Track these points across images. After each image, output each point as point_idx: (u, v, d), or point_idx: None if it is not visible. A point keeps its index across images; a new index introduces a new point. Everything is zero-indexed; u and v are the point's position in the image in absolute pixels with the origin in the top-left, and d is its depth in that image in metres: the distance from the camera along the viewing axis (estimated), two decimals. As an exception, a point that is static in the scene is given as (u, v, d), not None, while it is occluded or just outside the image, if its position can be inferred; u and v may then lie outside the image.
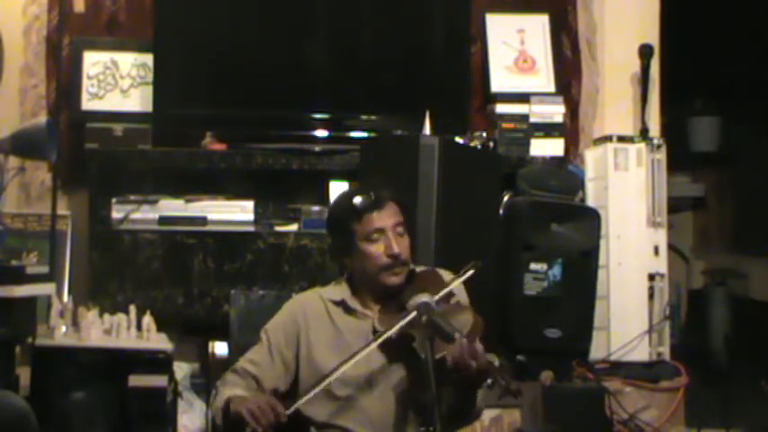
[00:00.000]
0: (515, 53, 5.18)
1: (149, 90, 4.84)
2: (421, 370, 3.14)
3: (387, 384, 3.31)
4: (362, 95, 4.92)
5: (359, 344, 3.30)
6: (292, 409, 3.19)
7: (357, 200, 3.39)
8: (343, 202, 3.48)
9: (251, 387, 3.37)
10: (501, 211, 4.68)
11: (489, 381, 3.15)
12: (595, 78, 5.26)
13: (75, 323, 4.18)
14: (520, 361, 4.45)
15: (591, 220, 4.70)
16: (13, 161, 4.50)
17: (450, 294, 3.36)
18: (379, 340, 3.23)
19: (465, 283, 3.40)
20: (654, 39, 5.20)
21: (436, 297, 3.25)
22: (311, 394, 3.21)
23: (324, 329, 3.40)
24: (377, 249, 3.35)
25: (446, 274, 3.46)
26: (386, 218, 3.37)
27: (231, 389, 3.34)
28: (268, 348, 3.41)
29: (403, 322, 3.21)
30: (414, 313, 3.21)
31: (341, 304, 3.41)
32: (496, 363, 3.25)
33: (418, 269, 3.47)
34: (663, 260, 4.90)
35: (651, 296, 4.86)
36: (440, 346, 3.17)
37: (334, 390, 3.29)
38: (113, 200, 4.67)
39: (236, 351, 4.04)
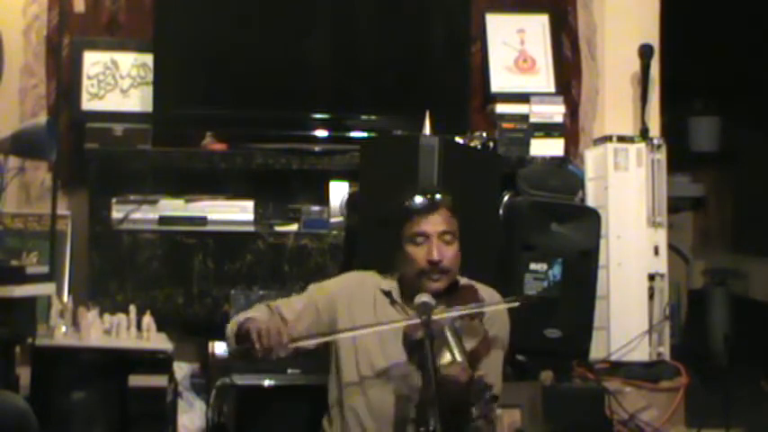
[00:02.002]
0: (515, 53, 5.18)
1: (149, 90, 4.84)
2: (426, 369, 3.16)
3: (403, 381, 3.34)
4: (362, 95, 4.92)
5: (393, 335, 3.36)
6: (295, 344, 3.27)
7: (412, 200, 3.42)
8: (399, 200, 3.51)
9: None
10: (501, 211, 4.68)
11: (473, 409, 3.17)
12: (595, 78, 5.26)
13: (75, 323, 4.19)
14: (520, 361, 4.45)
15: (591, 220, 4.70)
16: (13, 161, 4.51)
17: (482, 314, 3.36)
18: (384, 327, 3.31)
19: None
20: (654, 39, 5.20)
21: (453, 314, 3.25)
22: (316, 340, 3.32)
23: (367, 311, 3.48)
24: (418, 253, 3.38)
25: (485, 291, 3.48)
26: (434, 224, 3.39)
27: (254, 313, 3.40)
28: (308, 301, 3.51)
29: (409, 321, 3.24)
30: (413, 317, 3.23)
31: (388, 294, 3.46)
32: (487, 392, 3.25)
33: (462, 281, 3.48)
34: (663, 260, 4.90)
35: (651, 296, 4.87)
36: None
37: (361, 364, 3.33)
38: (113, 200, 4.67)
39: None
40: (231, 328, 3.44)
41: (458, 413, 3.23)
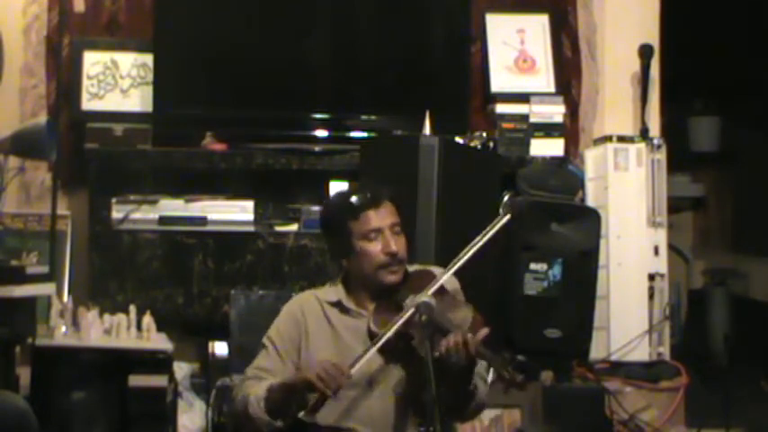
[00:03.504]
0: (515, 53, 5.18)
1: (149, 90, 4.84)
2: (420, 368, 3.14)
3: (386, 384, 3.31)
4: (362, 95, 4.92)
5: (357, 342, 3.31)
6: (356, 366, 3.18)
7: (354, 198, 3.40)
8: (339, 201, 3.49)
9: None
10: (501, 211, 4.68)
11: (492, 375, 3.16)
12: (595, 78, 5.26)
13: (76, 323, 4.19)
14: (520, 361, 4.44)
15: (591, 220, 4.70)
16: (13, 161, 4.51)
17: (444, 290, 3.36)
18: (383, 339, 3.23)
19: (500, 231, 3.44)
20: (654, 39, 5.20)
21: (430, 291, 3.25)
22: (368, 355, 3.21)
23: (322, 330, 3.40)
24: (374, 247, 3.35)
25: (434, 269, 3.47)
26: (383, 217, 3.37)
27: (261, 383, 3.31)
28: (276, 354, 3.39)
29: (401, 321, 3.22)
30: (411, 311, 3.21)
31: (337, 305, 3.41)
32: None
33: (411, 269, 3.47)
34: (663, 260, 4.90)
35: (651, 296, 4.87)
36: (438, 343, 3.19)
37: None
38: (113, 200, 4.67)
39: (236, 351, 4.05)
40: (257, 406, 3.25)
41: (463, 381, 3.25)
